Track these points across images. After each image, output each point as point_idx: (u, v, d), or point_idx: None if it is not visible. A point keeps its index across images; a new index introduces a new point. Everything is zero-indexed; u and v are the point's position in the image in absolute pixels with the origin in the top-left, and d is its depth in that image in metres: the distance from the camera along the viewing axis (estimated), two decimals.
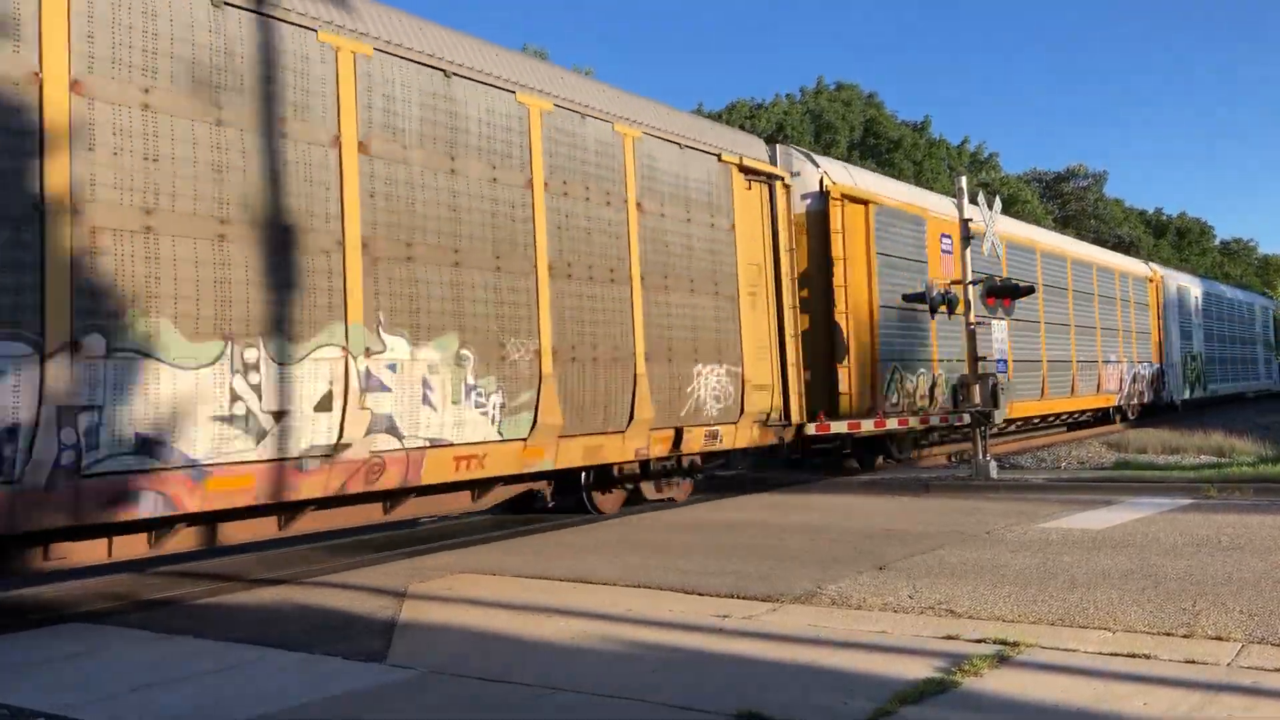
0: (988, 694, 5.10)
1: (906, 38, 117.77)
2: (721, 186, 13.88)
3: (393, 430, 9.27)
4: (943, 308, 16.02)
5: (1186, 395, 33.75)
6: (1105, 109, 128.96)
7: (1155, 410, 31.42)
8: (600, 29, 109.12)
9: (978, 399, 15.53)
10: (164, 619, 7.51)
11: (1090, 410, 27.21)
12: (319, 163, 8.91)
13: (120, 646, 6.76)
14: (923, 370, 18.30)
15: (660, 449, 12.46)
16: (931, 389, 18.34)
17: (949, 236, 19.11)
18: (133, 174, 7.64)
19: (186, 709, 5.37)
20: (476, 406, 10.12)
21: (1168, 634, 6.11)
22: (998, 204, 17.09)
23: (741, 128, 36.50)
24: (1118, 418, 29.08)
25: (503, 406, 10.38)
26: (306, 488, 8.60)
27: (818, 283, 16.44)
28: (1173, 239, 79.84)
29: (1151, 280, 31.91)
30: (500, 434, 10.37)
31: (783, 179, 15.13)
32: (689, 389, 12.83)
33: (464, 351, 10.01)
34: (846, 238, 16.70)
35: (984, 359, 16.49)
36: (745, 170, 14.38)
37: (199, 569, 9.89)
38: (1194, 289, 36.20)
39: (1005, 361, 21.14)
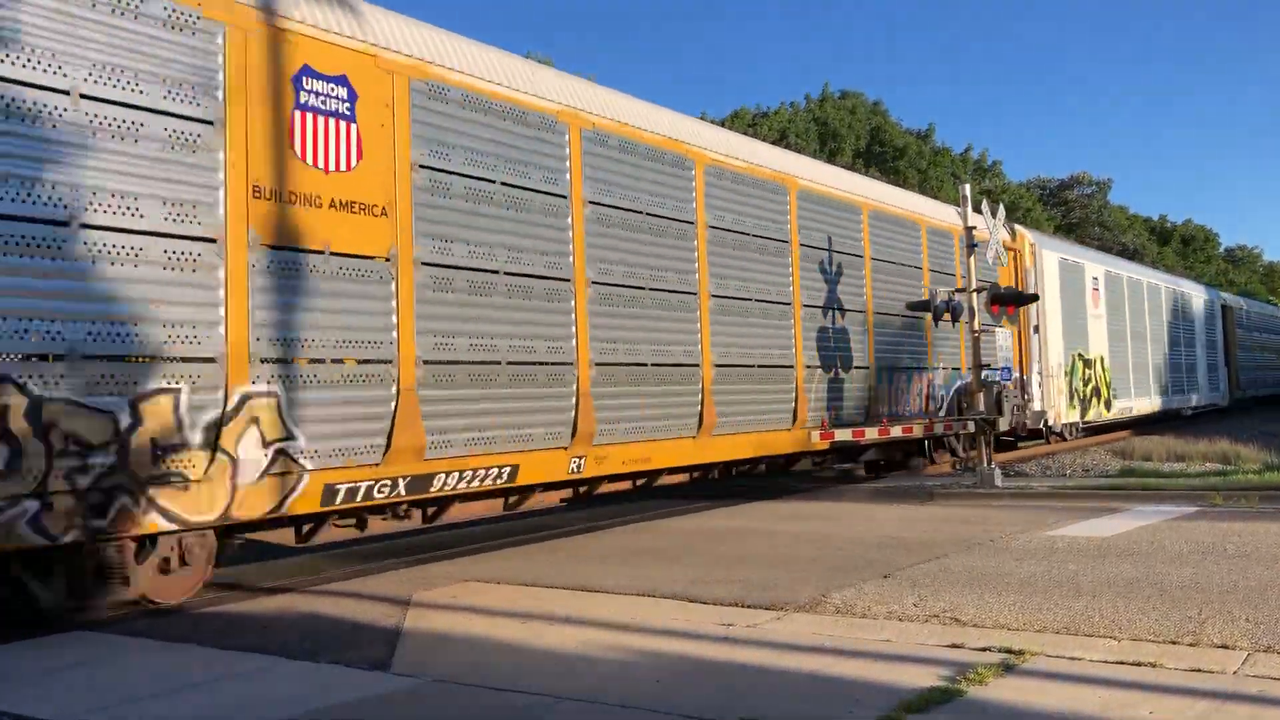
0: (993, 702, 5.08)
1: (910, 45, 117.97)
2: None
3: None
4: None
5: (1075, 417, 23.77)
6: (1110, 116, 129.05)
7: (1018, 440, 23.16)
8: (608, 39, 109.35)
9: (982, 406, 15.53)
10: (168, 627, 7.51)
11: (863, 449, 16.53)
12: None
13: (124, 655, 6.75)
14: (161, 383, 7.56)
15: None
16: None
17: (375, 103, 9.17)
18: None
19: (190, 718, 5.37)
20: None
21: (1174, 642, 6.09)
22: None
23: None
24: (940, 454, 19.16)
25: None
26: None
27: None
28: (1177, 247, 79.80)
29: (1011, 249, 21.96)
30: None
31: None
32: None
33: None
34: None
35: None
36: None
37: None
38: (1091, 267, 26.30)
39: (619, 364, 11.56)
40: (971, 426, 16.04)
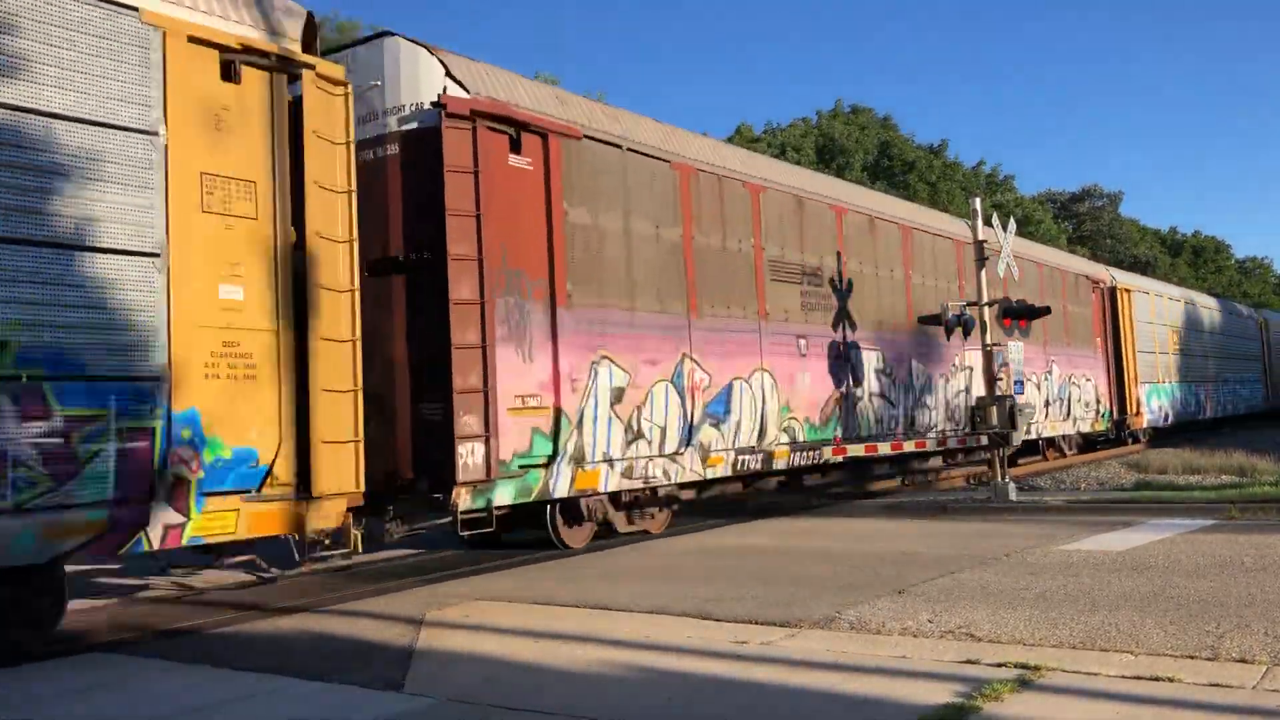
0: (1009, 718, 5.04)
1: (922, 60, 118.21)
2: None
3: None
4: None
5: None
6: (1121, 128, 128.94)
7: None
8: (616, 54, 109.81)
9: (995, 421, 15.47)
10: (182, 649, 7.52)
11: None
12: None
13: (139, 677, 6.76)
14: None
15: None
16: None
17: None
18: None
19: None
20: None
21: (1191, 657, 6.04)
22: None
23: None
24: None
25: None
26: None
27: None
28: (1188, 258, 79.57)
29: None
30: None
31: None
32: None
33: None
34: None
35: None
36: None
37: (217, 598, 9.91)
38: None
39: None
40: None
